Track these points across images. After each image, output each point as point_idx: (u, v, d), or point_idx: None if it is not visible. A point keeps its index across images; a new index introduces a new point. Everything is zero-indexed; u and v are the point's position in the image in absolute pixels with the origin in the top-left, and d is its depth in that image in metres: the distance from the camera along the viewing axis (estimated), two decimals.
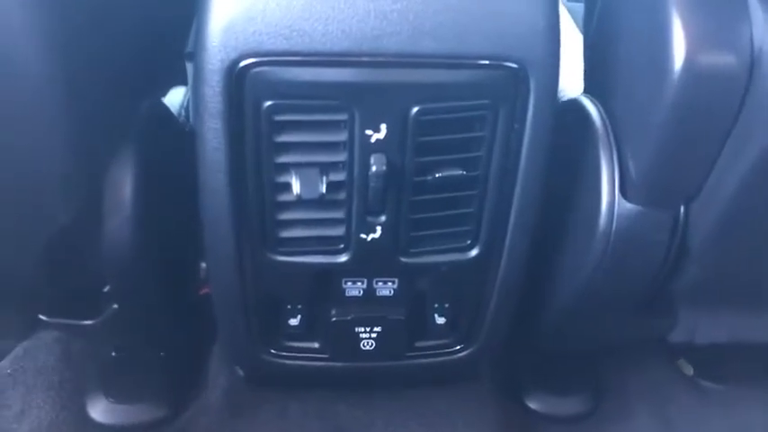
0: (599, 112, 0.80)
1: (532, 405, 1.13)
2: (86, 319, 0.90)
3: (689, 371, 1.21)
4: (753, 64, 0.66)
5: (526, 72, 0.70)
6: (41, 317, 0.91)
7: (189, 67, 1.10)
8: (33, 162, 0.71)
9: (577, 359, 1.17)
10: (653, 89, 0.69)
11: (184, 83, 1.14)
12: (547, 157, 0.76)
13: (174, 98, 1.13)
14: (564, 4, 1.22)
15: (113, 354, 1.10)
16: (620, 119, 0.77)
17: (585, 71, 0.89)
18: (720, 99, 0.68)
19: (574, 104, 0.83)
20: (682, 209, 0.77)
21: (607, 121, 0.78)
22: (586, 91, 0.86)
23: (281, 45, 0.66)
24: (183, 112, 1.10)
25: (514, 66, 0.69)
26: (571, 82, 0.88)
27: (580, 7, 1.05)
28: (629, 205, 0.76)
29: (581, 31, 1.08)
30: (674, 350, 1.21)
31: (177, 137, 0.88)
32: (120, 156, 0.77)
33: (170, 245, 0.91)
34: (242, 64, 0.67)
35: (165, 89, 1.08)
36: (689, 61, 0.66)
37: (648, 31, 0.70)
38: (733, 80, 0.67)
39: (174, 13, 0.87)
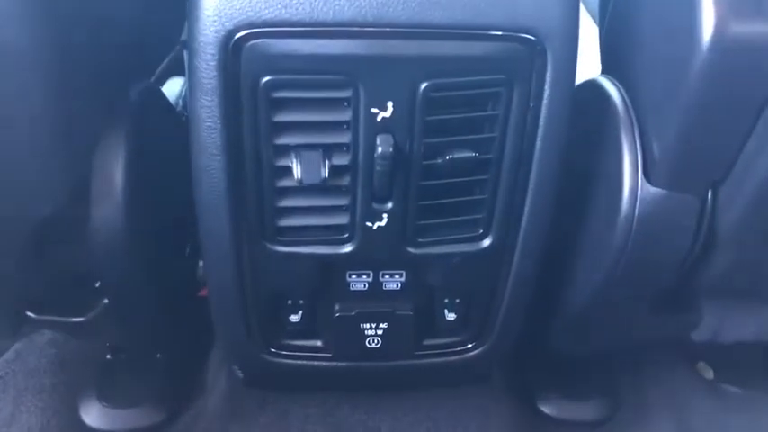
0: (619, 91, 0.77)
1: (546, 410, 1.10)
2: (76, 316, 0.88)
3: (709, 374, 1.18)
4: None
5: (543, 45, 0.67)
6: (29, 314, 0.89)
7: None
8: (16, 145, 0.68)
9: (593, 362, 1.15)
10: (679, 63, 0.66)
11: (183, 73, 1.12)
12: (565, 139, 0.73)
13: (173, 88, 1.12)
14: None
15: (108, 356, 1.09)
16: (642, 98, 0.74)
17: (602, 51, 0.86)
18: (752, 71, 0.64)
19: (591, 85, 0.80)
20: (709, 193, 0.74)
21: (628, 101, 0.75)
22: (604, 71, 0.83)
23: (279, 14, 0.63)
24: (181, 102, 1.08)
25: (530, 38, 0.67)
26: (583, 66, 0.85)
27: None
28: (652, 189, 0.73)
29: (588, 11, 1.06)
30: (694, 352, 1.19)
31: (171, 122, 0.86)
32: (110, 140, 0.75)
33: (163, 237, 0.88)
34: (238, 36, 0.64)
35: (163, 78, 1.07)
36: (719, 31, 0.62)
37: (674, 1, 0.67)
38: (766, 51, 0.63)
39: None
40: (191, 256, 0.96)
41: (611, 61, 0.84)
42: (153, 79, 1.01)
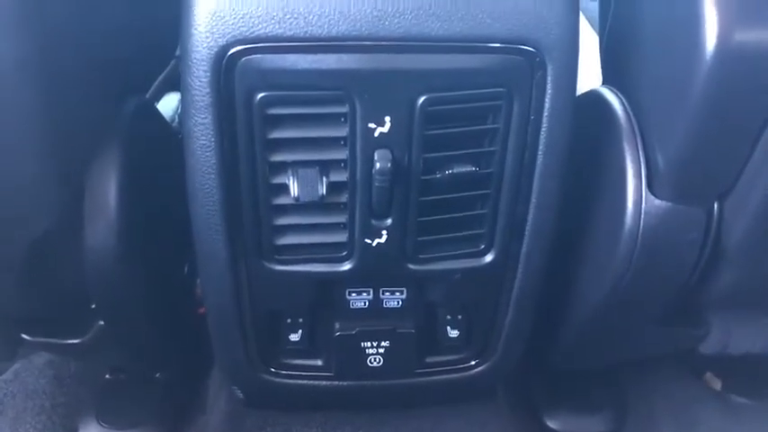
0: (621, 102, 0.75)
1: (553, 424, 1.09)
2: (72, 338, 0.87)
3: (717, 385, 1.17)
4: None
5: (543, 57, 0.66)
6: (24, 336, 0.87)
7: None
8: (6, 162, 0.67)
9: (599, 375, 1.13)
10: (683, 73, 0.64)
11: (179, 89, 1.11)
12: (566, 152, 0.72)
13: (169, 104, 1.11)
14: None
15: (107, 376, 1.09)
16: (645, 109, 0.73)
17: (603, 60, 0.85)
18: (757, 79, 0.62)
19: (593, 96, 0.79)
20: (715, 205, 0.73)
21: (630, 112, 0.74)
22: (605, 82, 0.82)
23: (273, 29, 0.63)
24: (177, 118, 1.07)
25: (530, 49, 0.66)
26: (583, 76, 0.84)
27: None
28: (657, 202, 0.72)
29: (587, 20, 1.05)
30: (701, 363, 1.18)
31: (166, 138, 0.85)
32: (103, 156, 0.73)
33: (159, 256, 0.87)
34: (231, 51, 0.63)
35: (159, 93, 1.06)
36: (723, 39, 0.61)
37: (677, 9, 0.66)
38: None
39: (167, 10, 0.84)
40: (189, 274, 0.95)
41: (612, 71, 0.82)
42: (148, 95, 1.00)
